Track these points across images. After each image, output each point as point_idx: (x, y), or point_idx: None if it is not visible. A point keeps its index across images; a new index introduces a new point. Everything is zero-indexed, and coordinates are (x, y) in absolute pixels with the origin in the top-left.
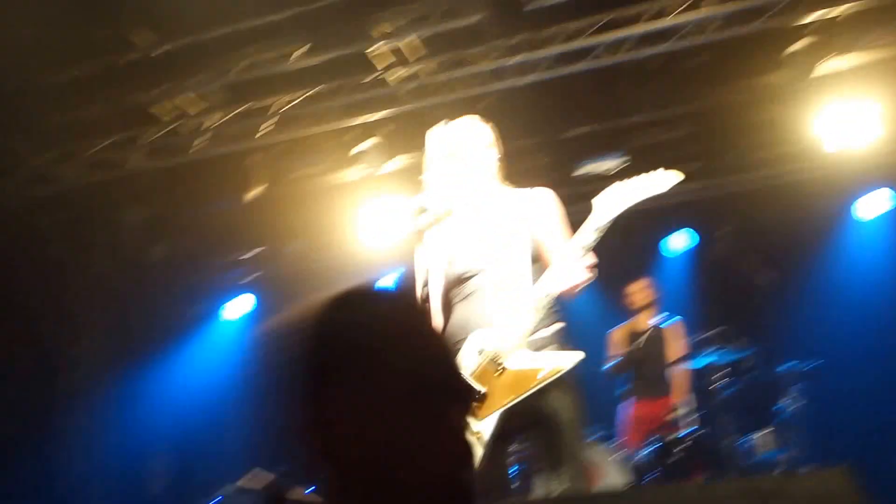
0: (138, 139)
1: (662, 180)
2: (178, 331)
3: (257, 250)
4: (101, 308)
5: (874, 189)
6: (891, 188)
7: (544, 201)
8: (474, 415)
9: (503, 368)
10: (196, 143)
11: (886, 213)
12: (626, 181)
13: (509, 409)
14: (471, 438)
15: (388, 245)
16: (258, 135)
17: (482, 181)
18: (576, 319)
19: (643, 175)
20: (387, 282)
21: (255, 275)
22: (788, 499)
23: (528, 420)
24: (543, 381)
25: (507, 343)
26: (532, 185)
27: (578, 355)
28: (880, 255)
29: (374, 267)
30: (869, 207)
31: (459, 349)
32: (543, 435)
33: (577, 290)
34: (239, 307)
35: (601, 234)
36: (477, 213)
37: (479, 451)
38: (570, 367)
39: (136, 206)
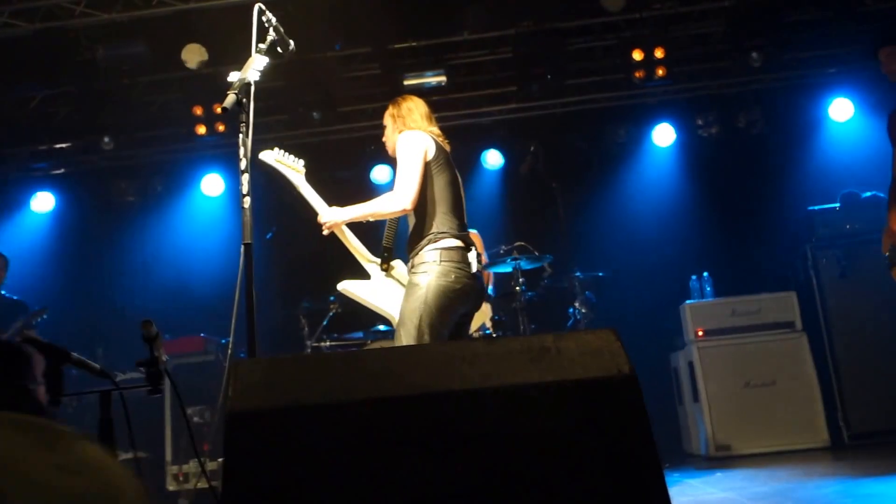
0: None
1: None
2: None
3: (63, 145)
4: None
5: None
6: (670, 122)
7: None
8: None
9: None
10: None
11: (674, 143)
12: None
13: None
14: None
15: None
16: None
17: None
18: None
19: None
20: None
21: (59, 170)
22: (562, 352)
23: None
24: None
25: None
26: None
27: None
28: (671, 179)
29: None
30: (664, 136)
31: None
32: None
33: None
34: (44, 202)
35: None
36: None
37: None
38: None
39: None
